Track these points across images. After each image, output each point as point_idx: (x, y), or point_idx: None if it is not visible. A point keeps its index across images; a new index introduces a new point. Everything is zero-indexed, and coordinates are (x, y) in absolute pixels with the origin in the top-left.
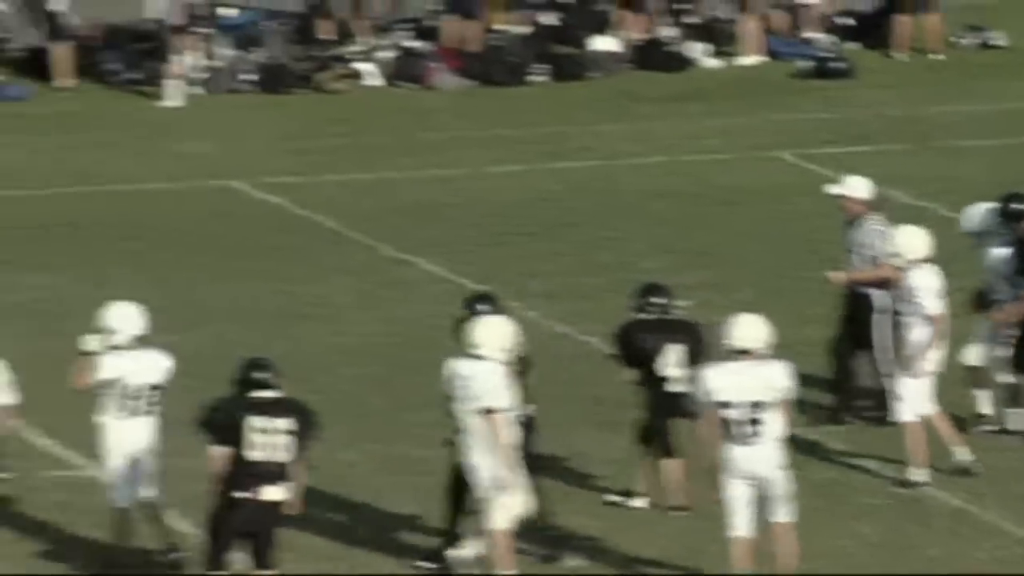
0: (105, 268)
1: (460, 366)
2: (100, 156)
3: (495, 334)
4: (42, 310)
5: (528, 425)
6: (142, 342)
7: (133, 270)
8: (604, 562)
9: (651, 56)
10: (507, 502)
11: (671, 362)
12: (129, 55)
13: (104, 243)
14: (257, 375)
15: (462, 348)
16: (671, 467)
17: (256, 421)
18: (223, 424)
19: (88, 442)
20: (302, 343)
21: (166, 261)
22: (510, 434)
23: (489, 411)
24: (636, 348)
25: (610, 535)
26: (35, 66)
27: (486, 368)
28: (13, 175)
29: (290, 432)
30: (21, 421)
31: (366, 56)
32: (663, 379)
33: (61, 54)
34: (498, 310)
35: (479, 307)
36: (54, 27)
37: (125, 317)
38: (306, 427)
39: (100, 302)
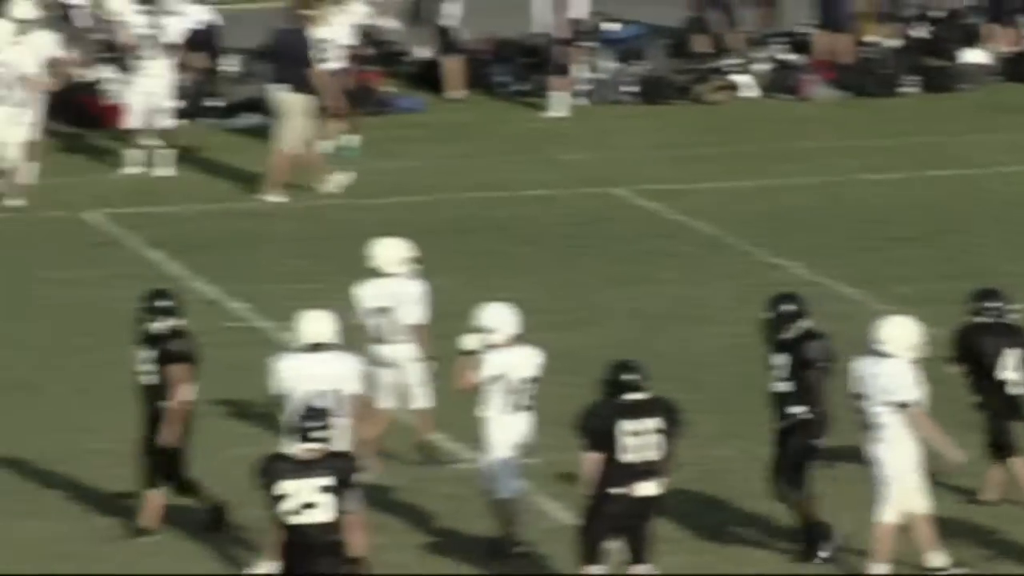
0: (490, 271)
1: (866, 364)
2: (489, 164)
3: (902, 332)
4: (433, 313)
5: (808, 425)
6: (517, 340)
7: (516, 272)
8: (994, 557)
9: (1020, 68)
10: (905, 498)
11: (1009, 365)
12: (517, 68)
13: (490, 247)
14: (626, 377)
15: (768, 346)
16: (1019, 465)
17: (628, 425)
18: (598, 430)
19: (474, 435)
20: (679, 344)
21: (548, 264)
22: (925, 427)
23: (903, 405)
24: (973, 351)
25: (987, 530)
26: (427, 79)
27: (894, 364)
28: (406, 183)
29: (659, 431)
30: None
31: (743, 68)
32: (1003, 382)
33: (452, 67)
34: (802, 309)
35: (783, 307)
36: (446, 42)
37: (501, 316)
38: (674, 425)
39: (484, 303)
